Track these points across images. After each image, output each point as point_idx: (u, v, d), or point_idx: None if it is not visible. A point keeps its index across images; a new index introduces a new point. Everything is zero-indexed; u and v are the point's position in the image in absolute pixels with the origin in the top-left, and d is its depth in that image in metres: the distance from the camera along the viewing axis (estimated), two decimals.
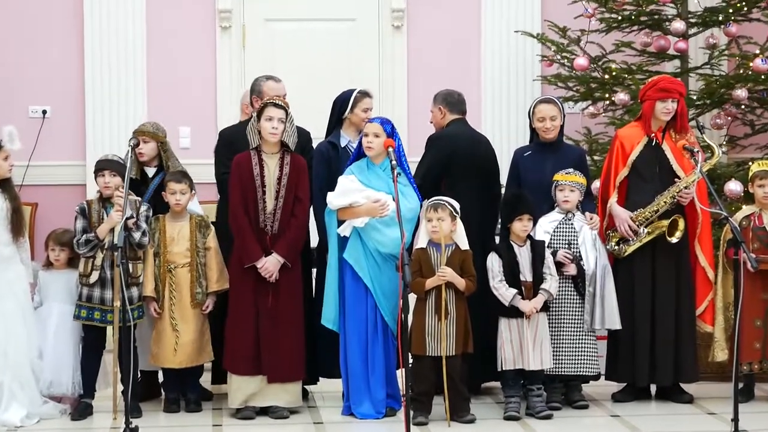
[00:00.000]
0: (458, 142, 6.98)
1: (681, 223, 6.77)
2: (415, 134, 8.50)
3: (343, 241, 6.57)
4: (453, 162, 6.90)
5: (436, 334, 6.37)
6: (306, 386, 6.92)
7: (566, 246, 6.73)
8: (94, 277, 6.54)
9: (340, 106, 6.97)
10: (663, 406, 6.88)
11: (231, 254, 6.66)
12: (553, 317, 6.69)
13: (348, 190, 6.52)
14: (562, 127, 7.01)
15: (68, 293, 6.65)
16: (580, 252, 6.73)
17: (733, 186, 7.61)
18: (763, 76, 7.91)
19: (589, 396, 6.94)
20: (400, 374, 6.08)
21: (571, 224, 6.79)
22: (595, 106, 8.40)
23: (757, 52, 7.99)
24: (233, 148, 6.80)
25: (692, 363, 6.90)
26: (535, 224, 6.67)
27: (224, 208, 6.81)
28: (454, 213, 6.45)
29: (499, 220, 6.79)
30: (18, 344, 6.39)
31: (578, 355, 6.74)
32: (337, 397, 6.87)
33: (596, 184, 7.20)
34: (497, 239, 6.78)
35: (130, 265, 6.54)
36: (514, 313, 6.52)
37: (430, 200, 6.49)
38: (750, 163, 7.31)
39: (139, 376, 6.69)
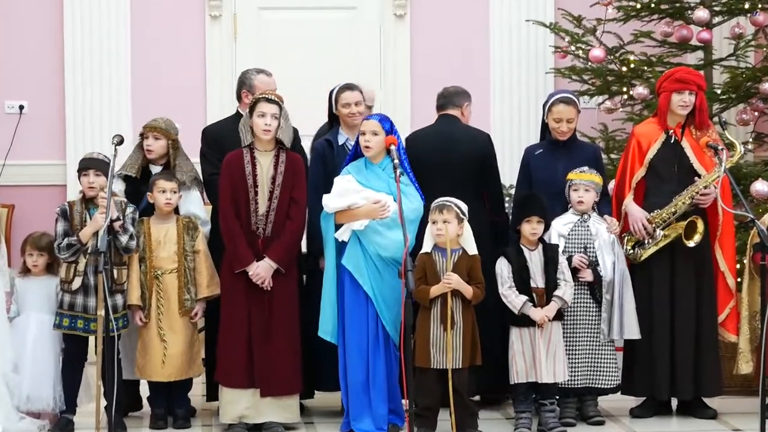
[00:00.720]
0: (419, 144, 6.98)
1: (699, 225, 6.77)
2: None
3: (340, 247, 6.57)
4: (421, 165, 6.81)
5: (442, 346, 6.37)
6: (302, 401, 6.93)
7: (582, 250, 6.75)
8: (77, 283, 6.55)
9: (331, 102, 7.04)
10: (684, 422, 6.89)
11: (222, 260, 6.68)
12: (568, 326, 6.70)
13: (345, 191, 6.52)
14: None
15: (47, 301, 6.66)
16: (596, 256, 6.75)
17: (760, 186, 7.58)
18: None
19: (605, 411, 6.95)
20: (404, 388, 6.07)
21: (587, 227, 6.80)
22: (612, 100, 8.41)
23: None
24: (220, 146, 6.84)
25: (715, 375, 6.90)
26: (547, 227, 6.69)
27: (216, 213, 6.83)
28: (461, 215, 6.44)
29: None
30: None
31: (594, 367, 6.75)
32: (336, 412, 6.89)
33: (612, 185, 7.18)
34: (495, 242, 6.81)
35: (115, 271, 6.53)
36: (526, 322, 6.53)
37: (435, 201, 6.49)
38: None
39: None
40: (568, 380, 6.65)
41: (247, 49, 8.94)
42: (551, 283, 6.57)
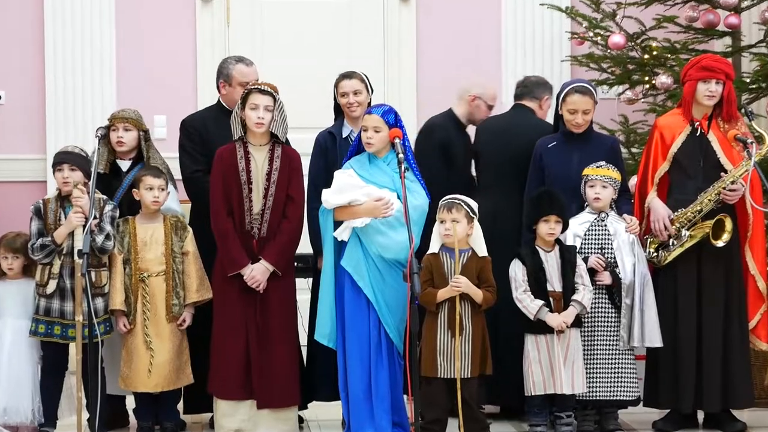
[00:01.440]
0: (483, 134, 7.28)
1: (728, 224, 6.75)
2: None
3: (340, 246, 6.58)
4: (480, 157, 7.17)
5: (450, 354, 6.39)
6: (299, 412, 6.92)
7: (599, 251, 6.75)
8: (52, 286, 6.55)
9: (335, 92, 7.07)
10: None
11: (214, 262, 6.68)
12: (586, 333, 6.71)
13: (346, 186, 6.52)
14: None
15: (24, 307, 6.66)
16: (615, 258, 6.74)
17: None
18: None
19: (625, 425, 6.96)
20: (408, 400, 6.10)
21: (605, 226, 6.80)
22: (633, 90, 8.40)
23: None
24: (202, 139, 6.84)
25: (745, 386, 6.89)
26: (566, 226, 6.69)
27: (199, 211, 6.85)
28: (471, 214, 6.46)
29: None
30: None
31: (614, 377, 6.75)
32: (336, 425, 6.91)
33: (634, 180, 7.19)
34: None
35: (93, 273, 6.52)
36: (542, 328, 6.54)
37: (444, 199, 6.50)
38: None
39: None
40: (586, 391, 6.66)
41: (240, 36, 8.93)
42: (569, 286, 6.58)
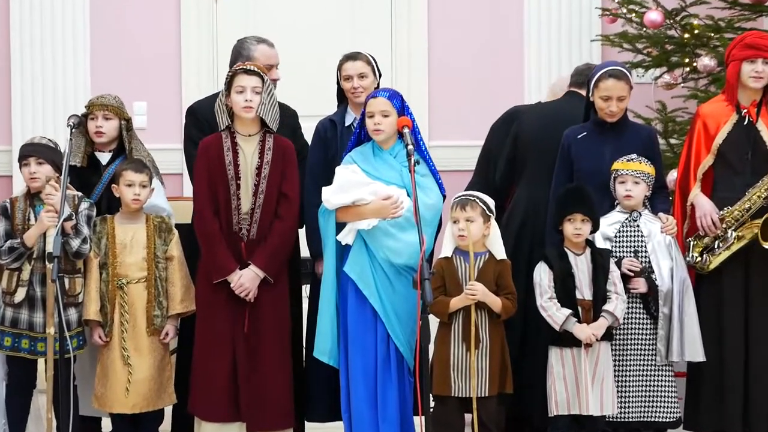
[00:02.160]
0: (526, 119, 7.35)
1: None
2: (438, 113, 8.50)
3: (343, 250, 6.54)
4: (520, 144, 7.26)
5: (465, 369, 6.36)
6: None
7: (632, 255, 6.70)
8: (21, 295, 6.54)
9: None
10: None
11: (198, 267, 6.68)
12: (618, 347, 6.66)
13: (349, 183, 6.47)
14: None
15: None
16: (650, 262, 6.69)
17: None
18: None
19: None
20: (419, 421, 6.03)
21: (637, 226, 6.74)
22: (672, 74, 8.50)
23: None
24: (210, 128, 6.78)
25: None
26: (596, 226, 6.63)
27: None
28: (488, 212, 6.42)
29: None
30: None
31: (649, 397, 6.69)
32: None
33: (673, 176, 7.18)
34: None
35: (67, 280, 6.51)
36: (568, 341, 6.49)
37: (457, 196, 6.49)
38: None
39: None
40: (617, 413, 6.62)
41: (229, 14, 9.17)
42: (600, 295, 6.53)
